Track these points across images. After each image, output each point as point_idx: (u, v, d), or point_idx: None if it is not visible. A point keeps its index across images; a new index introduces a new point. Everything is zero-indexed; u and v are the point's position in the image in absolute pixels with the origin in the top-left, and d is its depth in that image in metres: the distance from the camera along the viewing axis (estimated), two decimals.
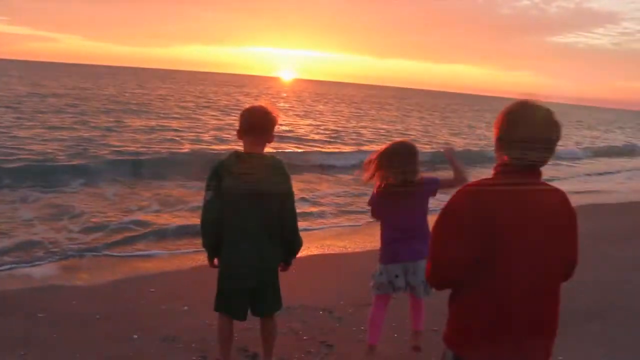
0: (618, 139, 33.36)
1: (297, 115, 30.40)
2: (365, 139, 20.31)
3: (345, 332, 3.90)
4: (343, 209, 8.87)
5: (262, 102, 2.91)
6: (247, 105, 2.99)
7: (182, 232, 6.80)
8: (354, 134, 21.87)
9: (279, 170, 2.84)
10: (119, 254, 5.92)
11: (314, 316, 4.14)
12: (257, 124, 2.83)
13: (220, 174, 2.82)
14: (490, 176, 1.91)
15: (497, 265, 1.77)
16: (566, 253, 1.89)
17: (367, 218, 8.19)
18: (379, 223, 3.41)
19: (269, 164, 2.82)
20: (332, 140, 19.18)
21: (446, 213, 1.85)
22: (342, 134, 21.55)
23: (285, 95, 60.06)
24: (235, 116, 23.04)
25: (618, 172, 16.95)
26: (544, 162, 1.85)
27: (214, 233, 2.88)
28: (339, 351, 3.60)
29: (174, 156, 12.59)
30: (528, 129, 1.81)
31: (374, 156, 3.24)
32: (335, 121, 28.27)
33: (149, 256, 5.90)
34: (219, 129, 19.45)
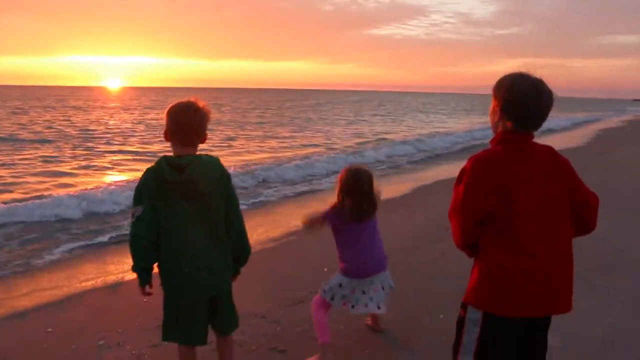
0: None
1: (128, 125, 28.70)
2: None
3: (289, 334, 3.70)
4: None
5: (190, 98, 2.58)
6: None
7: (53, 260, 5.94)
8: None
9: (218, 171, 2.57)
10: None
11: (250, 324, 3.86)
12: (186, 122, 2.50)
13: (152, 185, 2.48)
14: (490, 144, 2.16)
15: (513, 221, 1.99)
16: (572, 195, 2.09)
17: None
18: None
19: (205, 165, 2.53)
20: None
21: (459, 181, 2.10)
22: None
23: (115, 105, 56.34)
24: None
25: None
26: (540, 126, 2.10)
27: (149, 252, 2.52)
28: (293, 354, 3.40)
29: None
30: (531, 98, 2.03)
31: (338, 185, 3.32)
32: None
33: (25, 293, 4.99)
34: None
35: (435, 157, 15.98)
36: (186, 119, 2.49)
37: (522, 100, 2.02)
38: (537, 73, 2.09)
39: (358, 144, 19.96)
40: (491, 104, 2.15)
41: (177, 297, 2.58)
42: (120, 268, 5.62)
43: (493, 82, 2.15)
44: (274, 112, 45.10)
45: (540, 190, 2.02)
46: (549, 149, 2.15)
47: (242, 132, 24.91)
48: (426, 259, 5.38)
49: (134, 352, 3.44)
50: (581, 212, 2.10)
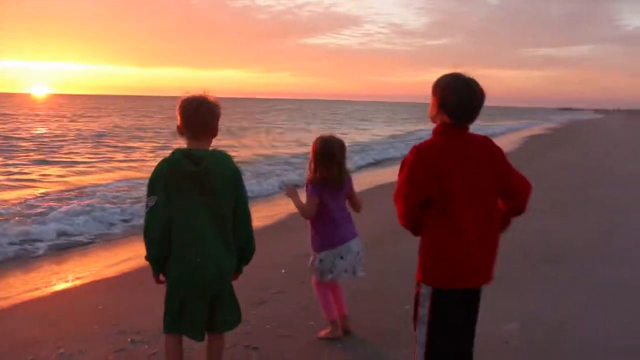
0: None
1: (57, 133, 27.31)
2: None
3: (260, 331, 3.68)
4: None
5: (201, 92, 2.61)
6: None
7: None
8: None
9: (230, 167, 2.59)
10: None
11: None
12: (190, 117, 2.55)
13: (167, 175, 2.50)
14: (431, 136, 2.39)
15: (449, 204, 2.25)
16: (500, 182, 2.34)
17: None
18: None
19: (218, 160, 2.56)
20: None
21: (402, 169, 2.33)
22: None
23: (41, 113, 53.42)
24: None
25: None
26: (474, 120, 2.35)
27: (162, 242, 2.53)
28: (267, 350, 3.40)
29: None
30: (466, 95, 2.28)
31: (312, 155, 3.45)
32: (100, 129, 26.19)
33: None
34: None
35: (374, 164, 16.29)
36: (189, 114, 2.54)
37: (457, 97, 2.27)
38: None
39: (295, 154, 19.12)
40: (431, 100, 2.37)
41: (182, 290, 2.57)
42: (68, 277, 5.37)
43: (426, 91, 2.40)
44: None
45: (474, 176, 2.28)
46: (484, 139, 2.40)
47: (177, 141, 23.87)
48: (380, 258, 5.44)
49: (98, 359, 3.29)
50: (513, 196, 2.36)
